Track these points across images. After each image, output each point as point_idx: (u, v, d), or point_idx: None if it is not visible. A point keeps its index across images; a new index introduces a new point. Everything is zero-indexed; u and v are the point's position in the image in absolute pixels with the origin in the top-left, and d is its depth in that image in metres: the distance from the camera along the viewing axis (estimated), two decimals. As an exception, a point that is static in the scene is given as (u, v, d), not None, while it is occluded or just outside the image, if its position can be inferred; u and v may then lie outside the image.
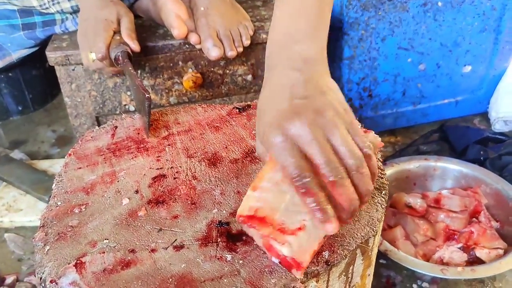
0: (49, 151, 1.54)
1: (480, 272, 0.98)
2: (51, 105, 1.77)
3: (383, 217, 0.65)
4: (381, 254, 1.02)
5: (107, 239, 0.61)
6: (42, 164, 1.43)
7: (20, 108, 1.69)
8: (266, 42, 1.09)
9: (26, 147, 1.56)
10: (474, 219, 1.12)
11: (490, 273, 0.98)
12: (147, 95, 0.79)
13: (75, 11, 1.20)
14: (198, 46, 1.09)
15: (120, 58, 1.00)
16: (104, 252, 0.59)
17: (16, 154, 1.47)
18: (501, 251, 1.05)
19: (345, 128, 0.55)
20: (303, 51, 0.60)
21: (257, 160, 0.72)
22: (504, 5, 1.34)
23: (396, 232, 1.09)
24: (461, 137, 1.41)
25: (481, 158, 1.33)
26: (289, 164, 0.52)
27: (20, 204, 1.28)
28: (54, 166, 1.41)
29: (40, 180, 1.32)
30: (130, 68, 0.97)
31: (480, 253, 1.05)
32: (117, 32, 1.04)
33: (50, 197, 1.25)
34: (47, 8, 1.17)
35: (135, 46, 1.03)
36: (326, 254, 0.58)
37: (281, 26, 0.63)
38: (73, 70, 1.14)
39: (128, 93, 1.17)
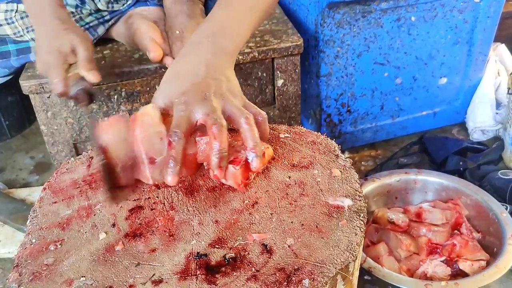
0: (28, 178, 1.52)
1: (464, 285, 0.98)
2: (29, 131, 1.74)
3: (363, 241, 0.65)
4: (366, 271, 1.02)
5: (84, 277, 0.59)
6: (21, 193, 1.40)
7: (-4, 136, 1.67)
8: (241, 63, 1.09)
9: (4, 175, 1.53)
10: (456, 231, 1.13)
11: (474, 286, 0.98)
12: (103, 161, 0.68)
13: None
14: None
15: (80, 97, 0.94)
16: (80, 291, 0.57)
17: (-7, 183, 1.45)
18: (483, 263, 1.05)
19: (238, 101, 0.72)
20: (225, 46, 0.76)
21: (234, 188, 0.71)
22: (475, 18, 1.37)
23: (379, 249, 1.09)
24: (440, 148, 1.43)
25: (461, 168, 1.35)
26: (177, 123, 0.67)
27: (-2, 235, 1.26)
28: (33, 194, 1.39)
29: (18, 210, 1.29)
30: (95, 121, 0.79)
31: (463, 265, 1.06)
32: (73, 64, 0.97)
33: (29, 227, 1.24)
34: (21, 36, 1.15)
35: (92, 78, 0.96)
36: (306, 282, 0.57)
37: (218, 21, 0.79)
38: (48, 97, 1.12)
39: (105, 119, 1.16)
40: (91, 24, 1.15)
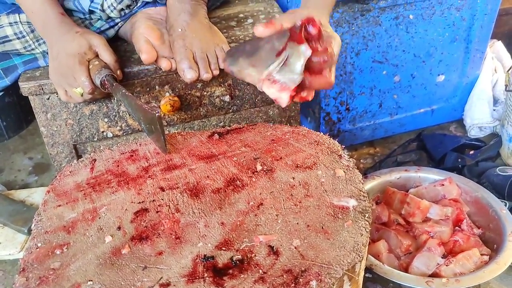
0: (26, 179, 1.51)
1: (464, 282, 0.99)
2: (26, 132, 1.73)
3: (368, 241, 0.66)
4: (366, 268, 1.02)
5: (91, 281, 0.60)
6: (20, 194, 1.40)
7: (-6, 137, 1.66)
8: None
9: (2, 176, 1.52)
10: (456, 227, 1.13)
11: (474, 283, 0.99)
12: (157, 114, 0.77)
13: None
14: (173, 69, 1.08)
15: (106, 82, 0.97)
16: (88, 295, 0.58)
17: (-8, 185, 1.44)
18: (486, 257, 1.06)
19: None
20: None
21: (239, 189, 0.72)
22: (472, 15, 1.38)
23: (379, 246, 1.09)
24: (439, 145, 1.44)
25: (459, 165, 1.35)
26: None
27: (-2, 237, 1.25)
28: (32, 195, 1.39)
29: (18, 212, 1.29)
30: (124, 91, 0.93)
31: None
32: (92, 59, 1.01)
33: (29, 228, 1.24)
34: (32, 49, 1.11)
35: (113, 58, 1.02)
36: (313, 283, 0.57)
37: None
38: (48, 99, 1.12)
39: (106, 119, 1.16)
40: (102, 29, 1.13)
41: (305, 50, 0.72)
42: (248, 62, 0.79)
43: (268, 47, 0.77)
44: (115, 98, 1.07)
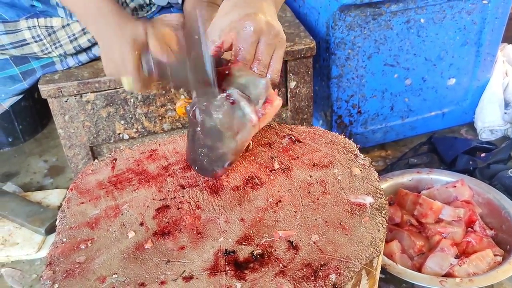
0: (42, 181, 1.54)
1: (478, 282, 1.00)
2: (42, 135, 1.76)
3: (385, 237, 0.67)
4: (380, 268, 1.03)
5: (116, 274, 0.61)
6: (36, 196, 1.42)
7: (10, 140, 1.69)
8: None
9: (18, 179, 1.55)
10: (469, 229, 1.14)
11: (488, 283, 1.00)
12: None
13: (78, 52, 1.15)
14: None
15: (155, 67, 0.85)
16: (114, 287, 0.59)
17: (9, 187, 1.46)
18: (499, 258, 1.07)
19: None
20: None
21: (258, 187, 0.73)
22: (483, 19, 1.39)
23: (392, 246, 1.10)
24: (450, 148, 1.45)
25: (470, 168, 1.36)
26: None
27: (16, 237, 1.27)
28: (48, 197, 1.41)
29: (35, 212, 1.31)
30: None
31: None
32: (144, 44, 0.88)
33: (46, 229, 1.26)
34: (49, 52, 1.13)
35: (167, 58, 0.87)
36: (333, 277, 0.59)
37: None
38: (66, 101, 1.14)
39: (122, 122, 1.18)
40: None
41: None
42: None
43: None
44: (166, 82, 0.93)
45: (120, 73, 0.89)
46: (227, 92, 0.71)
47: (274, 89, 0.75)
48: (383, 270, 1.03)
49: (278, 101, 0.74)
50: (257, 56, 0.73)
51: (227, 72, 0.71)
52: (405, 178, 1.26)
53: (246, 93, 0.72)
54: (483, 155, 1.43)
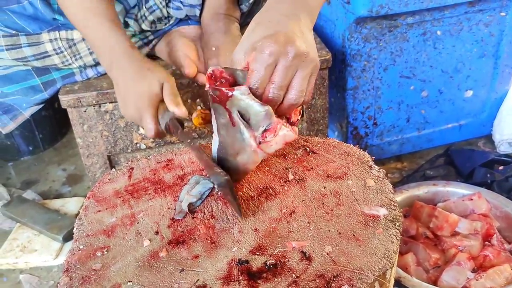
0: (60, 190, 1.56)
1: (495, 296, 0.98)
2: (61, 144, 1.80)
3: (399, 249, 0.67)
4: (394, 281, 1.02)
5: (131, 282, 0.62)
6: (55, 204, 1.45)
7: (31, 148, 1.72)
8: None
9: (38, 187, 1.58)
10: (486, 242, 1.13)
11: (505, 298, 0.98)
12: (226, 178, 0.71)
13: (97, 63, 1.17)
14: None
15: (171, 127, 0.91)
16: (128, 295, 0.60)
17: (29, 194, 1.49)
18: (516, 274, 1.05)
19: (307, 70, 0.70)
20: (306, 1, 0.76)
21: (272, 197, 0.74)
22: (501, 31, 1.38)
23: (407, 259, 1.09)
24: (467, 160, 1.43)
25: (488, 181, 1.35)
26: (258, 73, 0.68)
27: (34, 244, 1.30)
28: (66, 205, 1.44)
29: (53, 220, 1.34)
30: (189, 141, 0.87)
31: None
32: (161, 100, 0.94)
33: (64, 236, 1.28)
34: (69, 64, 1.15)
35: (179, 112, 0.92)
36: (346, 288, 0.59)
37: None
38: (85, 111, 1.17)
39: (140, 131, 1.20)
40: (136, 45, 1.18)
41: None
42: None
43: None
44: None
45: (137, 123, 0.94)
46: (231, 112, 0.70)
47: (301, 108, 0.74)
48: (398, 283, 1.03)
49: (285, 132, 0.70)
50: (272, 78, 0.70)
51: (231, 94, 0.68)
52: (421, 190, 1.25)
53: (246, 116, 0.70)
54: (501, 168, 1.41)
